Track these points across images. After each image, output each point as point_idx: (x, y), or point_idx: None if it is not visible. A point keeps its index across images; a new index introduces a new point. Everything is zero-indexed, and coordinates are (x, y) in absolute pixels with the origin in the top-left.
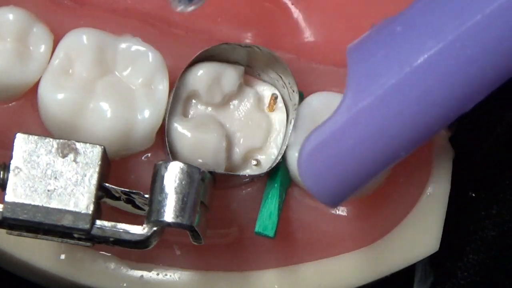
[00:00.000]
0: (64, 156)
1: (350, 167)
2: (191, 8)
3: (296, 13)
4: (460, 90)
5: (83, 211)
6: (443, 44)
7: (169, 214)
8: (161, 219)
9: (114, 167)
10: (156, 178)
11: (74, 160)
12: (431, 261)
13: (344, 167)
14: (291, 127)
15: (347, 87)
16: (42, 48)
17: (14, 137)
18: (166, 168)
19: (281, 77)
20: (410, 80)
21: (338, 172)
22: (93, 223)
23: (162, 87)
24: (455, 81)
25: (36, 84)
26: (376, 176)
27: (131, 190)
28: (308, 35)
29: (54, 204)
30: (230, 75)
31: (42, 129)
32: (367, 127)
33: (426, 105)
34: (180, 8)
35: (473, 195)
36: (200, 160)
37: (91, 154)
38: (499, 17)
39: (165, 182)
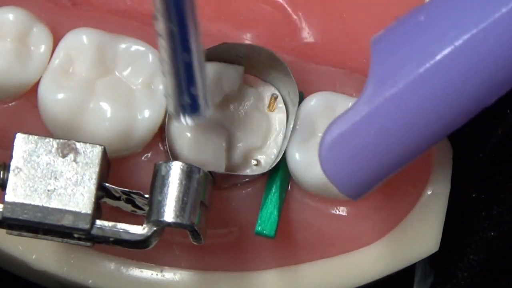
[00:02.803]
0: (64, 156)
1: (372, 159)
2: (190, 122)
3: (295, 14)
4: (485, 81)
5: (83, 211)
6: (466, 35)
7: (169, 214)
8: (161, 219)
9: (114, 167)
10: (156, 178)
11: (74, 160)
12: (431, 261)
13: (366, 158)
14: (291, 127)
15: (369, 77)
16: (42, 48)
17: (14, 137)
18: (166, 168)
19: (281, 77)
20: (432, 71)
21: (360, 163)
22: (93, 223)
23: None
24: (479, 72)
25: (36, 84)
26: (399, 168)
27: (131, 190)
28: (307, 36)
29: (54, 204)
30: (230, 75)
31: (42, 129)
32: (389, 117)
33: (449, 96)
34: (182, 121)
35: (474, 195)
36: (200, 160)
37: (91, 154)
38: None
39: (165, 182)
